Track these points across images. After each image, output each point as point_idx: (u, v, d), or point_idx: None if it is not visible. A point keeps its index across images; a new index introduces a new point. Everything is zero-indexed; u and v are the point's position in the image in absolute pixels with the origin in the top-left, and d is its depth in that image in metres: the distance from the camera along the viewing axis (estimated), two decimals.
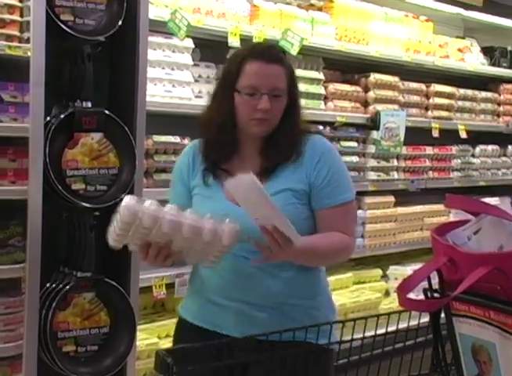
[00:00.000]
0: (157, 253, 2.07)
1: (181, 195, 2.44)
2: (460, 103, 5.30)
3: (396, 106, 4.74)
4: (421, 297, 1.59)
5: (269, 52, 2.34)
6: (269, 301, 2.29)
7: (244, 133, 2.35)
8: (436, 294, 1.58)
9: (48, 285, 2.89)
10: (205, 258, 2.13)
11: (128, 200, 2.00)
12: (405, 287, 1.49)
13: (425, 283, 1.58)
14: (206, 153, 2.39)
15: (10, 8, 2.87)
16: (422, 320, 1.73)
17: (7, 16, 2.85)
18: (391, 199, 4.79)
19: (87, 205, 2.90)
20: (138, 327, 3.11)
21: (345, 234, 2.33)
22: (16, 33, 2.88)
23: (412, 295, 1.53)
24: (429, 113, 5.05)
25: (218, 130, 2.34)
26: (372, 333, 1.83)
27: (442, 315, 1.59)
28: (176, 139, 3.51)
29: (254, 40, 3.70)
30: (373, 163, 4.61)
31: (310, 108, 4.07)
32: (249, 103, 2.28)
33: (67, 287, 2.88)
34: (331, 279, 3.99)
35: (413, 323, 1.84)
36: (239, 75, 2.29)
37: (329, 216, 2.33)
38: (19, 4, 2.89)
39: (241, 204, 2.04)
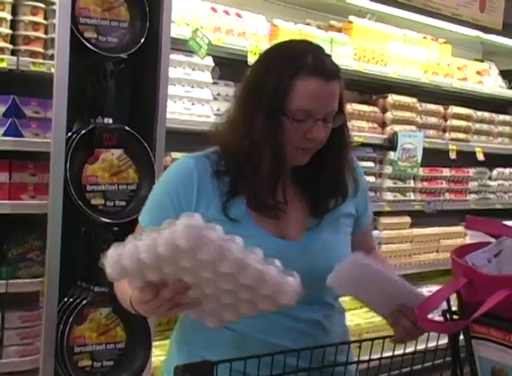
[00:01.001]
0: (171, 298, 1.52)
1: None
2: (478, 125, 5.29)
3: (414, 127, 4.73)
4: (437, 318, 1.59)
5: (327, 65, 1.82)
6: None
7: None
8: (455, 316, 1.58)
9: (65, 299, 2.91)
10: (233, 317, 1.61)
11: (191, 218, 1.41)
12: (424, 307, 1.49)
13: (443, 305, 1.58)
14: (246, 185, 1.84)
15: (35, 25, 2.90)
16: (440, 342, 1.72)
17: (32, 33, 2.89)
18: (407, 220, 4.78)
19: (106, 220, 2.92)
20: (154, 344, 3.11)
21: (375, 249, 2.23)
22: (40, 50, 2.91)
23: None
24: (446, 134, 5.05)
25: (272, 160, 1.80)
26: (389, 354, 1.82)
27: (461, 337, 1.59)
28: None
29: None
30: (389, 183, 4.60)
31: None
32: (297, 130, 1.79)
33: (84, 301, 2.90)
34: (346, 298, 3.97)
35: (431, 344, 1.84)
36: (289, 93, 1.77)
37: (367, 235, 2.13)
38: (43, 21, 2.93)
39: (352, 290, 1.77)
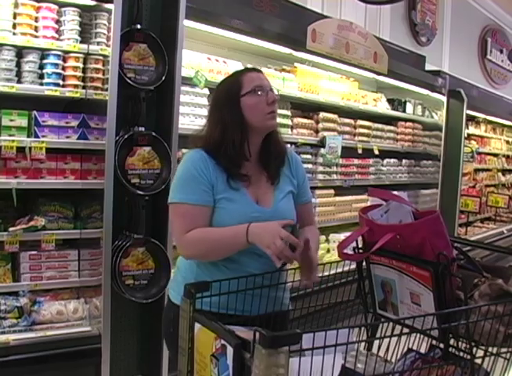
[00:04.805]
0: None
1: (206, 194, 1.73)
2: (375, 132, 5.31)
3: (336, 133, 4.75)
4: (350, 252, 1.62)
5: (254, 68, 1.93)
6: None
7: (253, 137, 1.81)
8: (360, 251, 1.60)
9: (116, 242, 2.91)
10: None
11: None
12: (342, 245, 1.51)
13: (354, 244, 1.60)
14: (226, 161, 1.76)
15: (97, 70, 2.87)
16: (351, 267, 1.75)
17: (95, 75, 2.86)
18: (332, 191, 4.79)
19: (140, 192, 2.92)
20: (172, 271, 3.11)
21: (313, 224, 2.04)
22: (100, 85, 2.87)
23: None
24: (356, 138, 5.06)
25: (240, 140, 1.76)
26: (321, 274, 1.84)
27: (364, 263, 1.62)
28: None
29: None
30: (321, 169, 4.60)
31: (282, 134, 4.05)
32: (261, 99, 1.77)
33: (128, 244, 2.90)
34: None
35: (346, 268, 1.86)
36: (242, 84, 1.78)
37: (309, 209, 2.02)
38: (102, 67, 2.89)
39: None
